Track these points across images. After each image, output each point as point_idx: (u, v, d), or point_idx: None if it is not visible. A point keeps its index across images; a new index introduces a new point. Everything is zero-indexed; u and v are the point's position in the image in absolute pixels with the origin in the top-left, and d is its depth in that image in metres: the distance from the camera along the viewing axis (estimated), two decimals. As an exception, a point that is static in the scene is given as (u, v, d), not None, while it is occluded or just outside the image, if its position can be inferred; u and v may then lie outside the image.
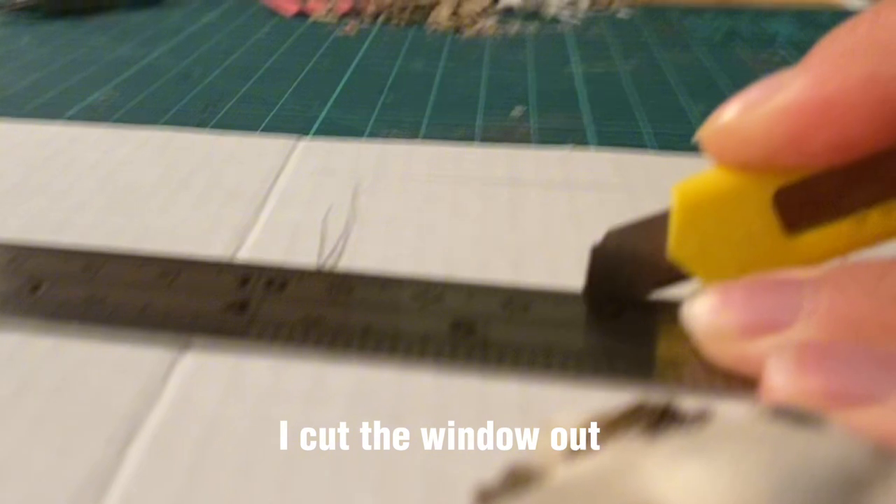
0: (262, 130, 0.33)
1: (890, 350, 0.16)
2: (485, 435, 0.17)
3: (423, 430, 0.17)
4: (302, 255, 0.23)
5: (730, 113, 0.18)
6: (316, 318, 0.20)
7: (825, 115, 0.17)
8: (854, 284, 0.17)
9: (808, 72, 0.17)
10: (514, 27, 0.52)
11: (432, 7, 0.53)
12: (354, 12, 0.54)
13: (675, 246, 0.19)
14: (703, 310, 0.18)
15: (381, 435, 0.17)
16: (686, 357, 0.18)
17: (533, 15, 0.55)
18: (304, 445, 0.16)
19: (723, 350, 0.18)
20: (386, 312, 0.20)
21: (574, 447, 0.14)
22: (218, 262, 0.22)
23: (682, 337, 0.19)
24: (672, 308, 0.20)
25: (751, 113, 0.18)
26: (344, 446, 0.16)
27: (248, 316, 0.20)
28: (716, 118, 0.18)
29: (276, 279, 0.21)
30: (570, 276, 0.22)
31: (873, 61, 0.16)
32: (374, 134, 0.33)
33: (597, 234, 0.24)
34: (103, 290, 0.21)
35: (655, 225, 0.19)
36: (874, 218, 0.18)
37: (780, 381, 0.16)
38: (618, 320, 0.20)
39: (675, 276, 0.19)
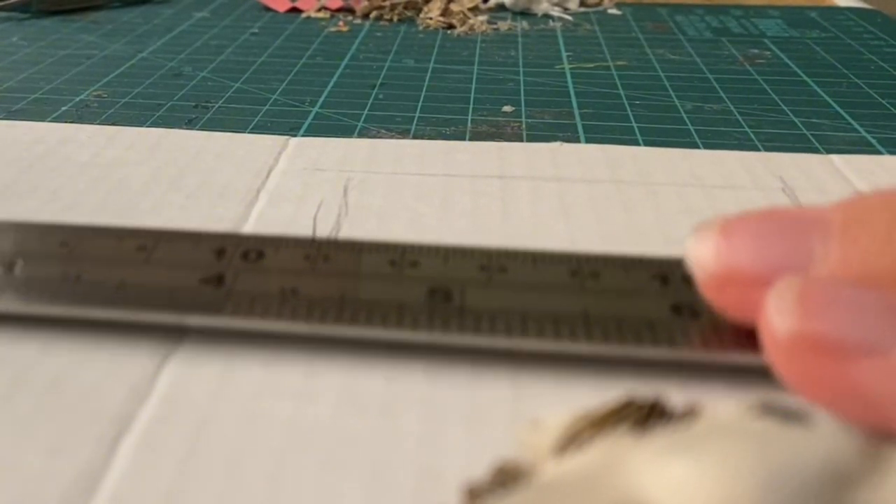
0: (253, 128, 0.33)
1: None
2: (474, 431, 0.17)
3: (413, 426, 0.17)
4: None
5: None
6: (293, 290, 0.19)
7: None
8: (867, 234, 0.16)
9: None
10: (505, 24, 0.52)
11: (423, 4, 0.53)
12: (346, 9, 0.54)
13: None
14: (707, 253, 0.17)
15: (372, 430, 0.17)
16: (663, 319, 0.18)
17: (524, 12, 0.55)
18: (293, 441, 0.16)
19: (726, 296, 0.17)
20: (363, 280, 0.20)
21: (563, 445, 0.14)
22: (195, 233, 0.22)
23: (662, 297, 0.19)
24: (651, 265, 0.20)
25: None
26: (334, 442, 0.16)
27: (224, 290, 0.19)
28: None
29: (253, 249, 0.21)
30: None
31: None
32: (365, 131, 0.33)
33: (586, 227, 0.25)
34: (79, 267, 0.20)
35: None
36: None
37: (779, 324, 0.15)
38: (596, 280, 0.20)
39: None
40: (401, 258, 0.21)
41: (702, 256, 0.17)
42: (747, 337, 0.17)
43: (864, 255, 0.16)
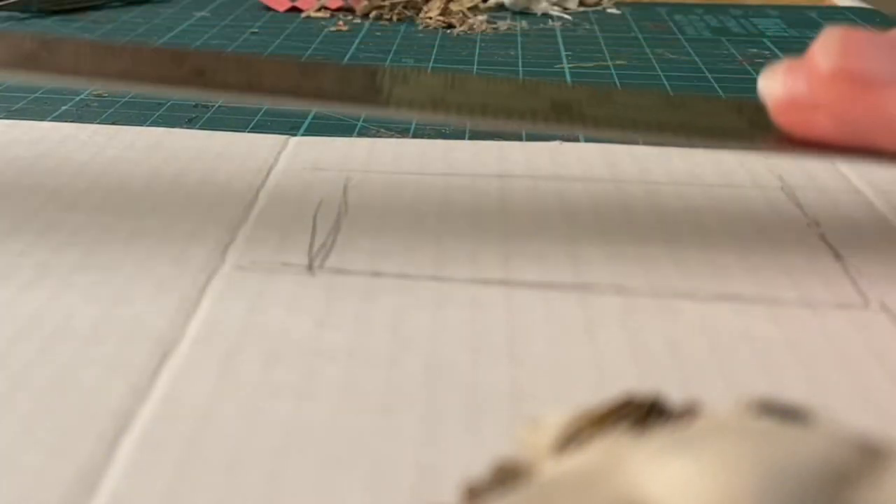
0: (253, 127, 0.33)
1: None
2: (474, 429, 0.17)
3: (413, 425, 0.17)
4: (293, 250, 0.23)
5: None
6: (441, 99, 0.23)
7: None
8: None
9: None
10: (505, 24, 0.52)
11: (423, 3, 0.53)
12: (346, 8, 0.54)
13: None
14: (776, 84, 0.21)
15: (371, 429, 0.17)
16: (741, 128, 0.23)
17: (523, 12, 0.55)
18: (293, 439, 0.16)
19: (790, 116, 0.21)
20: (498, 97, 0.23)
21: (562, 443, 0.14)
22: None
23: (738, 118, 0.23)
24: (727, 101, 0.24)
25: None
26: (334, 441, 0.16)
27: (384, 96, 0.23)
28: None
29: (399, 74, 0.24)
30: (562, 267, 0.22)
31: None
32: (365, 130, 0.33)
33: (586, 226, 0.25)
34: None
35: None
36: None
37: (823, 61, 0.20)
38: (685, 107, 0.24)
39: None
40: (522, 85, 0.25)
41: (772, 87, 0.22)
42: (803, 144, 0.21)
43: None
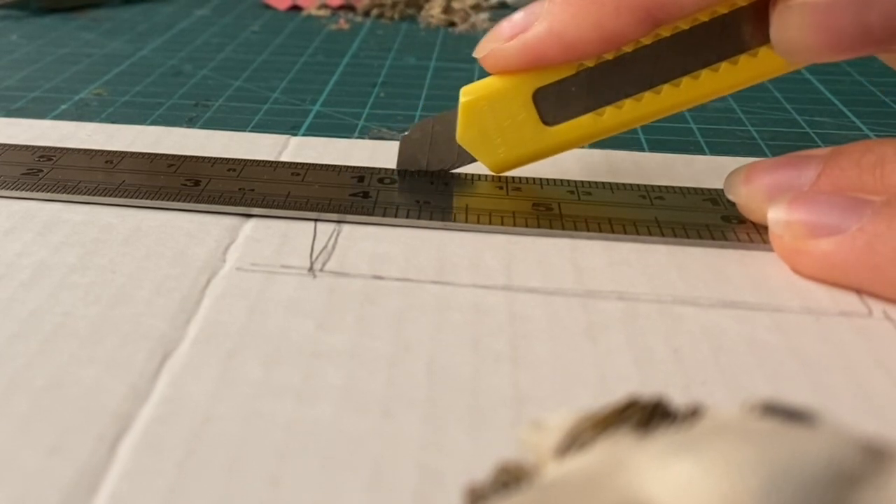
0: (254, 127, 0.33)
1: (858, 197, 0.21)
2: (476, 431, 0.17)
3: (415, 426, 0.17)
4: (293, 251, 0.23)
5: (491, 44, 0.24)
6: (426, 201, 0.25)
7: (558, 53, 0.24)
8: (845, 158, 0.22)
9: (548, 19, 0.23)
10: (507, 22, 0.51)
11: (425, 1, 0.53)
12: (347, 6, 0.54)
13: (461, 133, 0.26)
14: (738, 184, 0.24)
15: (372, 431, 0.17)
16: (717, 224, 0.24)
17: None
18: (294, 441, 0.16)
19: (754, 215, 0.24)
20: (481, 198, 0.26)
21: (565, 445, 0.14)
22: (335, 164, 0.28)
23: (714, 212, 0.25)
24: (704, 192, 0.26)
25: (505, 44, 0.24)
26: (334, 442, 0.16)
27: (371, 201, 0.25)
28: (485, 44, 0.25)
29: (387, 177, 0.27)
30: (564, 272, 0.22)
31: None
32: (366, 130, 0.33)
33: (588, 233, 0.25)
34: (248, 184, 0.26)
35: (449, 118, 0.26)
36: (608, 113, 0.25)
37: (773, 217, 0.22)
38: (662, 201, 0.26)
39: (465, 157, 0.26)
40: (506, 184, 0.27)
41: (734, 187, 0.24)
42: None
43: (840, 172, 0.22)
